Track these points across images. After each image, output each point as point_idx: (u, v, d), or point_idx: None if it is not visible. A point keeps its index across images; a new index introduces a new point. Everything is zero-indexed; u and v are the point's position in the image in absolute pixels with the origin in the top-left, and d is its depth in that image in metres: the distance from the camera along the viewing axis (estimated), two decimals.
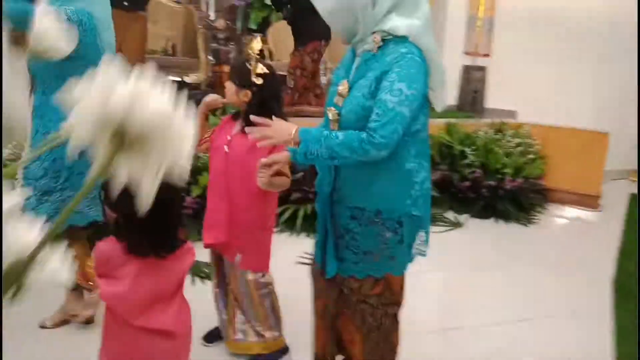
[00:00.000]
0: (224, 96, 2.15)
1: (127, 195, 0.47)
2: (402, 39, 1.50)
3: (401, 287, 1.76)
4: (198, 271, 2.92)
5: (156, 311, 1.44)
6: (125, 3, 3.97)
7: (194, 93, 4.26)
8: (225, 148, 2.08)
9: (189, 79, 5.38)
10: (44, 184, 2.08)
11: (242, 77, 2.04)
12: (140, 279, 1.40)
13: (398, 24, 1.49)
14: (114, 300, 1.43)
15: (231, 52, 5.70)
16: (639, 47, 5.05)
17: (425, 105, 1.60)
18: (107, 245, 1.44)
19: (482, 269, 3.54)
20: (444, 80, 1.60)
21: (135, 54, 4.13)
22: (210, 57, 5.73)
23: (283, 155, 1.72)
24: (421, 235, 1.70)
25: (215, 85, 5.52)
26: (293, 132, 1.57)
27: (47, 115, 2.06)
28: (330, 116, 1.62)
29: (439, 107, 1.63)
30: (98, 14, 2.05)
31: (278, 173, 1.83)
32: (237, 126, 2.11)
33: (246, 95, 2.03)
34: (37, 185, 2.08)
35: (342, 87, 1.59)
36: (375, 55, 1.53)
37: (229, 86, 2.08)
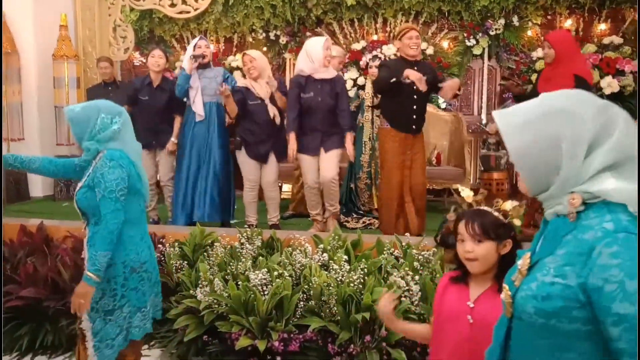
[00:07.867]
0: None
1: None
2: (610, 206, 1.06)
3: None
4: None
5: None
6: None
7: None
8: (469, 318, 1.61)
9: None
10: (104, 304, 2.24)
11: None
12: None
13: (613, 187, 1.06)
14: None
15: (503, 157, 5.07)
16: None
17: None
18: None
19: None
20: None
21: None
22: (479, 164, 5.34)
23: None
24: None
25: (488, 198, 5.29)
26: None
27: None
28: (502, 296, 1.20)
29: None
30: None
31: None
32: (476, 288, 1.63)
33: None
34: (99, 307, 2.24)
35: (522, 262, 1.18)
36: (568, 224, 1.09)
37: (489, 247, 1.56)
